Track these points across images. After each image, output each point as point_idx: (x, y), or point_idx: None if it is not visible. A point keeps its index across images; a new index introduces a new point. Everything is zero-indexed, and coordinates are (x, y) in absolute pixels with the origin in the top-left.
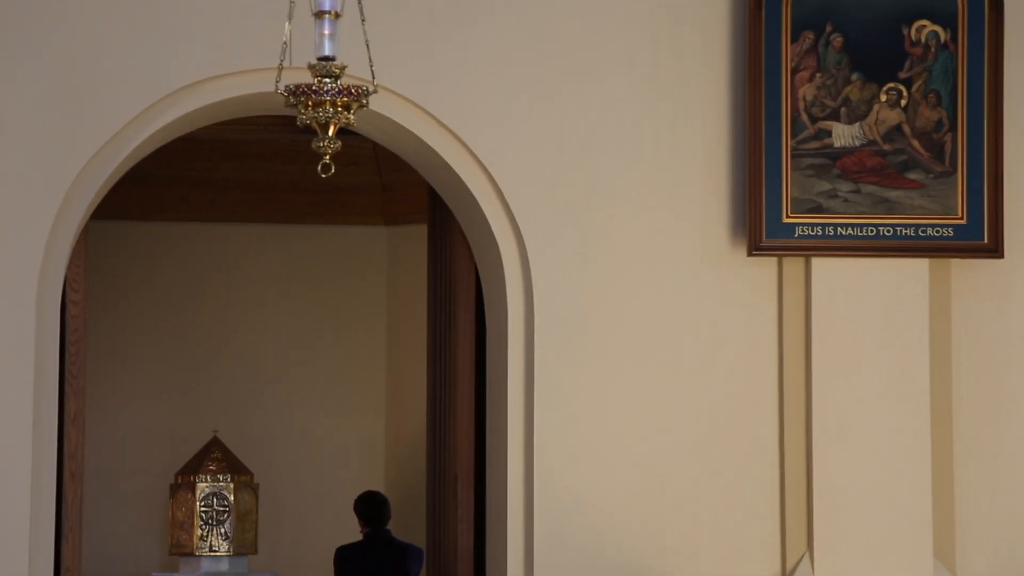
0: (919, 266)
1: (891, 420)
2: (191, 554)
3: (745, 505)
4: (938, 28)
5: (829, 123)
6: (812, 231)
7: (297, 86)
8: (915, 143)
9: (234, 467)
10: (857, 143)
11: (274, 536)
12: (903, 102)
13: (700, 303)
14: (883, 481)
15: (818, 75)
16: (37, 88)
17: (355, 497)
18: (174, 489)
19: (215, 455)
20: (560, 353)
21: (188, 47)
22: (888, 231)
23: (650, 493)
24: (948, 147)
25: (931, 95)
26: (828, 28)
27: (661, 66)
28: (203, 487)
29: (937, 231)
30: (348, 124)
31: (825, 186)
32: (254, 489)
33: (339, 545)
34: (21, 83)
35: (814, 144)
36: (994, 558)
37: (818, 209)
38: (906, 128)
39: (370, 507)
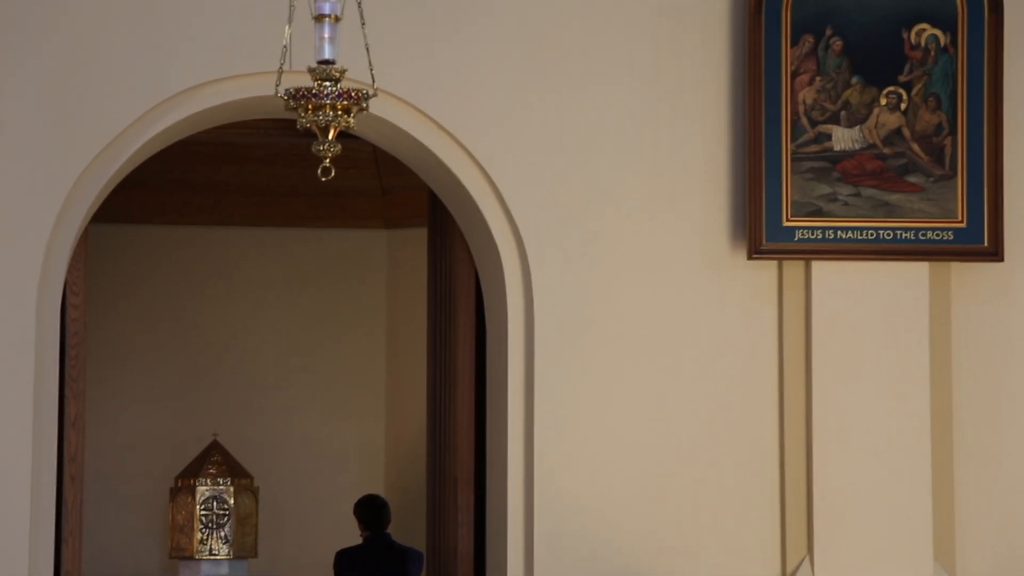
0: (919, 269)
1: (891, 423)
2: (191, 558)
3: (745, 508)
4: (938, 32)
5: (829, 126)
6: (812, 234)
7: (297, 90)
8: (915, 146)
9: (234, 471)
10: (857, 147)
11: (274, 540)
12: (903, 105)
13: (700, 306)
14: (883, 484)
15: (818, 79)
16: (37, 92)
17: (355, 501)
18: (174, 492)
19: (215, 458)
20: (560, 356)
21: (188, 51)
22: (888, 234)
23: (650, 496)
24: (948, 150)
25: (931, 99)
26: (828, 31)
27: (661, 69)
28: (203, 490)
29: (937, 234)
30: (348, 128)
31: (825, 189)
32: (254, 493)
33: (339, 549)
34: (22, 87)
35: (814, 148)
36: (994, 560)
37: (818, 212)
38: (906, 132)
39: (370, 511)
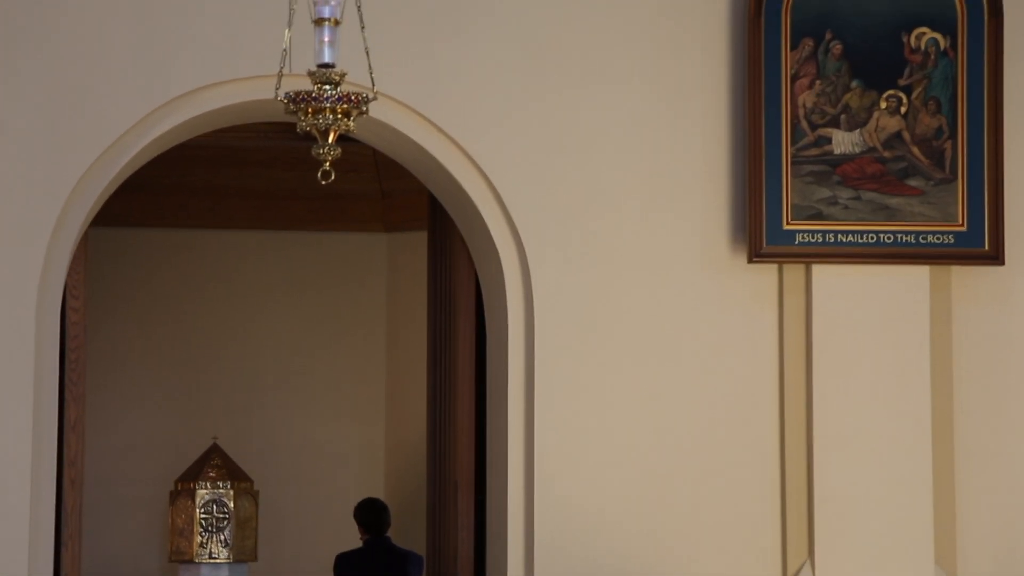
0: (919, 273)
1: (892, 427)
2: (191, 561)
3: (746, 512)
4: (938, 35)
5: (829, 130)
6: (812, 238)
7: (297, 93)
8: (915, 150)
9: (234, 474)
10: (857, 150)
11: (274, 543)
12: (903, 109)
13: (700, 310)
14: (884, 488)
15: (818, 82)
16: (37, 95)
17: (355, 504)
18: (174, 496)
19: (215, 462)
20: (560, 360)
21: (188, 54)
22: (888, 238)
23: (651, 500)
24: (948, 154)
25: (931, 102)
26: (828, 35)
27: (661, 72)
28: (203, 494)
29: (937, 238)
30: (348, 131)
31: (825, 193)
32: (254, 496)
33: (339, 552)
34: (22, 90)
35: (814, 151)
36: (995, 564)
37: (818, 216)
38: (906, 135)
39: (370, 514)
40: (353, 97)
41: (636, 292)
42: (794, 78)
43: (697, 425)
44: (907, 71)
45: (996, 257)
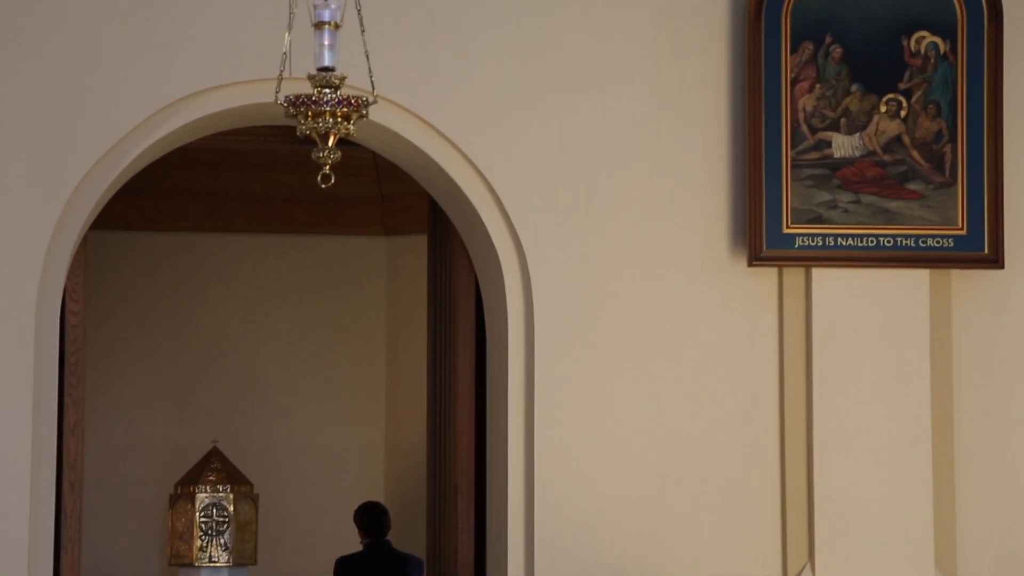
0: (919, 276)
1: (892, 430)
2: (191, 565)
3: (746, 515)
4: (938, 39)
5: (829, 134)
6: (812, 241)
7: (297, 96)
8: (915, 154)
9: (234, 477)
10: (857, 154)
11: (274, 547)
12: (903, 113)
13: (700, 313)
14: (884, 491)
15: (818, 86)
16: (37, 98)
17: (355, 507)
18: (173, 499)
19: (215, 465)
20: (560, 363)
21: (188, 58)
22: (888, 241)
23: (651, 503)
24: (948, 158)
25: (931, 106)
26: (828, 39)
27: (661, 76)
28: (203, 497)
29: (937, 242)
30: (348, 134)
31: (825, 196)
32: (254, 499)
33: (339, 556)
34: (21, 93)
35: (814, 155)
36: (995, 565)
37: (818, 219)
38: (906, 139)
39: (370, 517)
40: (353, 100)
41: (636, 294)
42: (794, 81)
43: (697, 427)
44: (907, 75)
45: (996, 261)
